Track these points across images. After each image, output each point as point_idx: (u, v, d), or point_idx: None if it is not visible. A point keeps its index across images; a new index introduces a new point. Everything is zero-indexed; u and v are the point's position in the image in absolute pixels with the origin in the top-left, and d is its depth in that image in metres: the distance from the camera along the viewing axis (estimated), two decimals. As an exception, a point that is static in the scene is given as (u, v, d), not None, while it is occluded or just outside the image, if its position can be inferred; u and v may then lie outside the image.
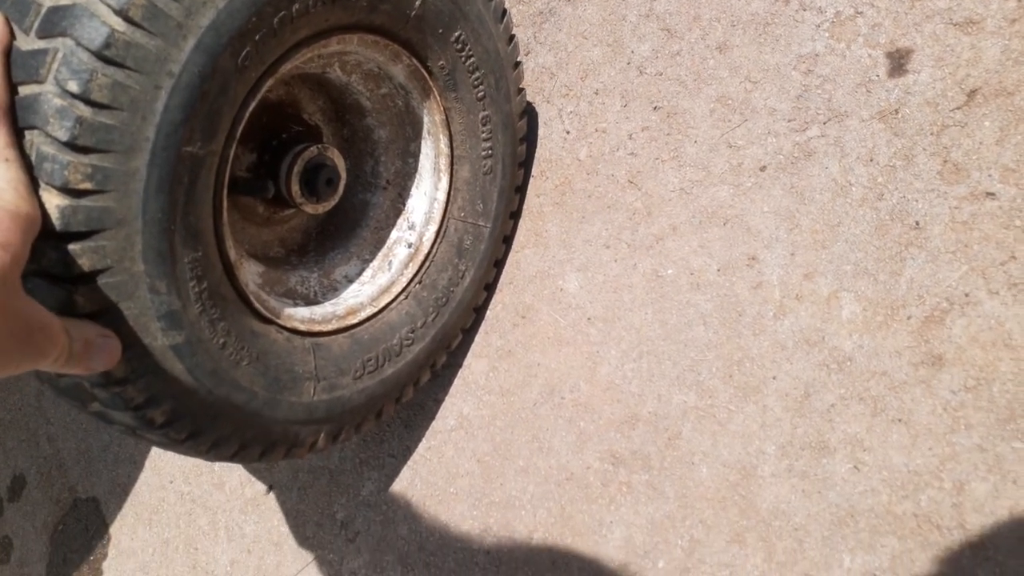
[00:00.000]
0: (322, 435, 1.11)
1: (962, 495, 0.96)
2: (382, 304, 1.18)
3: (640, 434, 1.19)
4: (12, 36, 0.72)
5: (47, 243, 0.72)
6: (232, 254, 0.93)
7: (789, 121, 1.17)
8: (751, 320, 1.14)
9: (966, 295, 0.99)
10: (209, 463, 1.66)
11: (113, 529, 1.77)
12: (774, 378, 1.10)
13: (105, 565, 1.75)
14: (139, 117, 0.74)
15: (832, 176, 1.12)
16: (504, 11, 1.17)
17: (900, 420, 1.01)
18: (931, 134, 1.07)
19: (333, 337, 1.10)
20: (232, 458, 1.00)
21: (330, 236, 1.25)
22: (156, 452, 1.76)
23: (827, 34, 1.16)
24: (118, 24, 0.71)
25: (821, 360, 1.08)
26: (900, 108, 1.09)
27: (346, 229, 1.25)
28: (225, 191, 0.90)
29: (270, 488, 1.56)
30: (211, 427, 0.93)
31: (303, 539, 1.49)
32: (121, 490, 1.79)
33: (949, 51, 1.08)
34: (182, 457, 1.71)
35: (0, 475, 2.03)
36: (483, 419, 1.36)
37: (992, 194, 1.00)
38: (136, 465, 1.78)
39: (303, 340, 1.05)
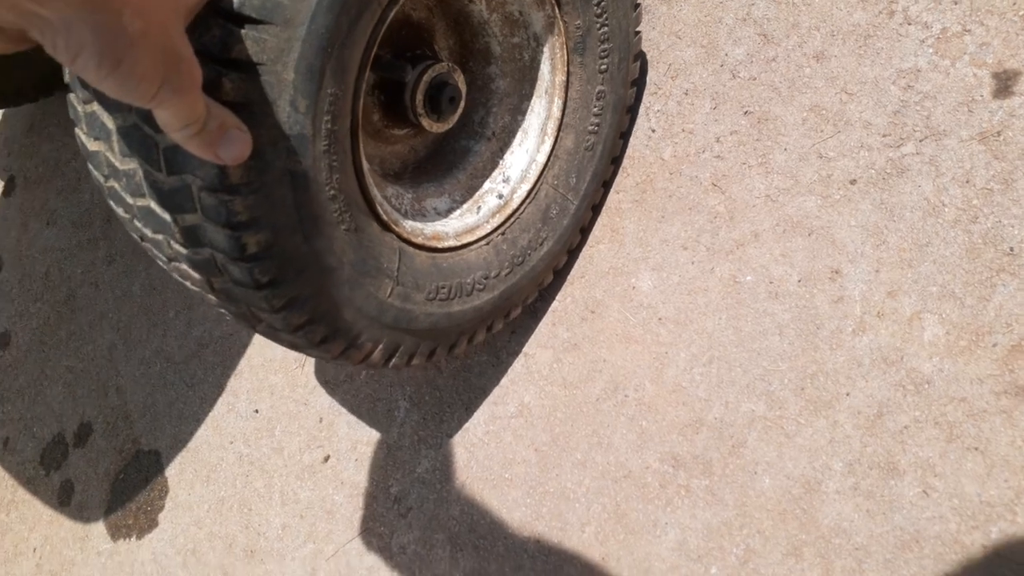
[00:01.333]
0: (380, 347, 1.10)
1: (1037, 531, 0.94)
2: (464, 241, 1.19)
3: (703, 439, 1.19)
4: None
5: (216, 19, 0.73)
6: (360, 116, 0.94)
7: (884, 136, 1.15)
8: (829, 334, 1.12)
9: (1059, 327, 0.97)
10: (270, 428, 1.70)
11: (171, 483, 1.83)
12: (848, 394, 1.09)
13: (161, 516, 1.81)
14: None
15: (925, 195, 1.10)
16: (638, 3, 1.19)
17: (976, 448, 0.99)
18: (1034, 160, 1.04)
19: (417, 251, 1.11)
20: (298, 329, 0.97)
21: (426, 172, 1.27)
22: (219, 412, 1.81)
23: (931, 50, 1.14)
24: None
25: (898, 380, 1.06)
26: (1003, 130, 1.07)
27: (442, 169, 1.27)
28: (374, 50, 0.91)
29: (327, 457, 1.60)
30: (293, 280, 0.91)
31: (356, 509, 1.52)
32: (182, 446, 1.84)
33: (1060, 76, 1.05)
34: (244, 419, 1.75)
35: (68, 421, 2.11)
36: (544, 409, 1.36)
37: (1095, 226, 0.97)
38: (199, 423, 1.83)
39: (393, 239, 1.06)
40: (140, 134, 0.81)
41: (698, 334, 1.23)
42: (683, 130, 1.34)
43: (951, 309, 1.04)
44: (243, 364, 1.81)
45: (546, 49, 1.17)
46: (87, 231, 2.34)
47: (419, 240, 1.13)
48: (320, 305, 0.97)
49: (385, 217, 1.05)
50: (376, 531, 1.48)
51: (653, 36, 1.42)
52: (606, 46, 1.18)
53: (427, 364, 1.25)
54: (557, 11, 1.11)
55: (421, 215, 1.22)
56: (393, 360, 1.15)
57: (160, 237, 0.91)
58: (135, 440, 1.95)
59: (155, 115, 0.68)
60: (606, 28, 1.16)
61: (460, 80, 1.15)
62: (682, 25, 1.39)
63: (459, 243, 1.19)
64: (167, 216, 0.86)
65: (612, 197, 1.39)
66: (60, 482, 2.05)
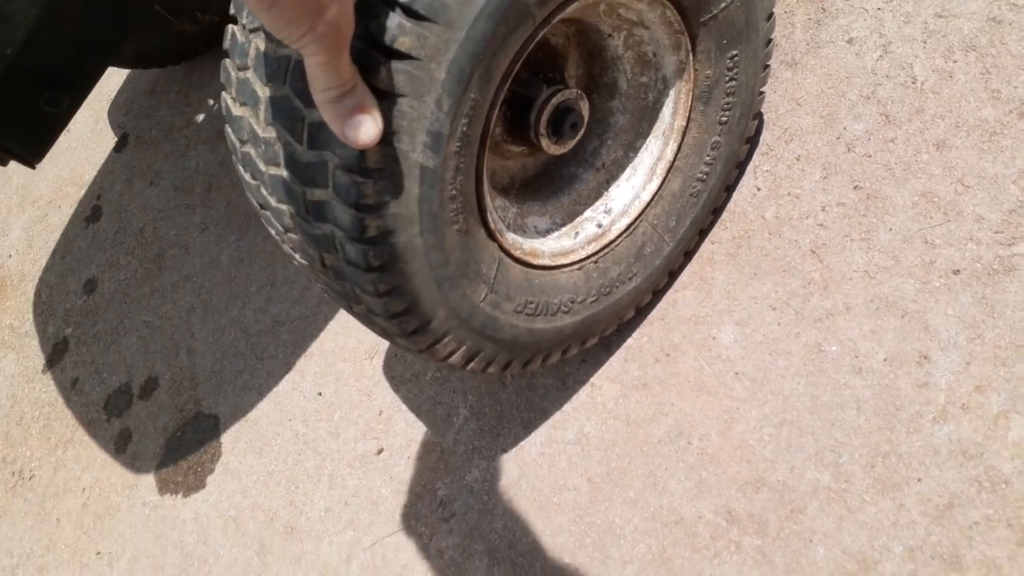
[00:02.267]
0: (463, 348, 1.14)
1: (1100, 653, 0.91)
2: (558, 262, 1.22)
3: (762, 499, 1.19)
4: None
5: (388, 8, 0.78)
6: (492, 123, 0.98)
7: (996, 232, 1.15)
8: (908, 417, 1.12)
9: None
10: (330, 413, 1.74)
11: (225, 448, 1.88)
12: (919, 480, 1.08)
13: (209, 479, 1.86)
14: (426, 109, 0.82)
15: (1030, 297, 1.09)
16: (768, 64, 1.22)
17: (1047, 558, 0.97)
18: None
19: (514, 263, 1.14)
20: (397, 315, 1.01)
21: (532, 191, 1.31)
22: (283, 389, 1.86)
23: (1058, 156, 1.14)
24: None
25: (974, 476, 1.05)
26: (1121, 247, 1.06)
27: (548, 191, 1.31)
28: (518, 65, 0.95)
29: (381, 450, 1.63)
30: (399, 271, 0.95)
31: (400, 506, 1.54)
32: (242, 415, 1.90)
33: None
34: (306, 399, 1.80)
35: (137, 373, 2.19)
36: (603, 441, 1.38)
37: None
38: (261, 396, 1.89)
39: (495, 247, 1.10)
40: (289, 106, 0.87)
41: (773, 395, 1.24)
42: (789, 193, 1.36)
43: (1040, 414, 1.03)
44: (314, 347, 1.86)
45: (672, 92, 1.21)
46: (187, 197, 2.44)
47: (517, 253, 1.16)
48: (419, 297, 1.01)
49: (492, 226, 1.09)
50: (417, 530, 1.50)
51: (773, 99, 1.45)
52: (730, 99, 1.21)
53: (499, 375, 1.27)
54: (691, 58, 1.15)
55: (522, 230, 1.26)
56: (471, 364, 1.19)
57: (284, 207, 0.96)
58: (197, 402, 2.02)
59: (307, 71, 0.73)
60: (734, 82, 1.19)
61: (585, 108, 1.19)
62: (804, 93, 1.41)
63: (553, 263, 1.22)
64: (297, 188, 0.91)
65: (707, 247, 1.41)
66: (119, 430, 2.13)
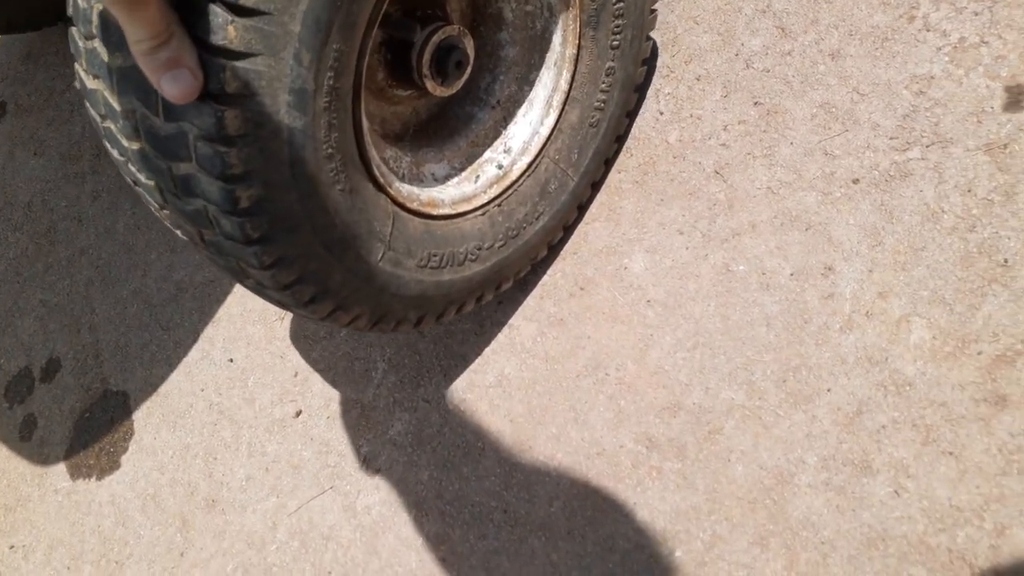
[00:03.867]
0: (367, 311, 1.09)
1: (1002, 538, 0.94)
2: (460, 210, 1.17)
3: (680, 423, 1.19)
4: None
5: None
6: (364, 76, 0.92)
7: (891, 139, 1.15)
8: (816, 329, 1.12)
9: (1046, 340, 0.97)
10: (243, 379, 1.68)
11: (138, 426, 1.80)
12: (828, 390, 1.09)
13: (123, 459, 1.78)
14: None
15: (925, 200, 1.10)
16: None
17: (951, 453, 0.99)
18: (1037, 175, 1.04)
19: (411, 216, 1.09)
20: (284, 288, 0.96)
21: (426, 136, 1.25)
22: (193, 358, 1.78)
23: (947, 58, 1.14)
24: None
25: (880, 381, 1.06)
26: (1010, 144, 1.07)
27: (443, 135, 1.25)
28: (384, 6, 0.89)
29: (299, 412, 1.58)
30: (284, 239, 0.90)
31: (323, 467, 1.50)
32: (152, 389, 1.82)
33: (1071, 95, 1.05)
34: (217, 367, 1.73)
35: (37, 355, 2.07)
36: (523, 381, 1.36)
37: (1091, 244, 0.98)
38: (171, 367, 1.81)
39: (387, 202, 1.04)
40: (139, 76, 0.79)
41: (685, 319, 1.23)
42: (691, 115, 1.34)
43: (940, 314, 1.05)
44: (222, 312, 1.79)
45: (559, 20, 1.16)
46: (75, 164, 2.29)
47: (414, 205, 1.11)
48: (309, 265, 0.95)
49: (381, 180, 1.03)
50: (342, 489, 1.46)
51: (671, 20, 1.41)
52: (620, 22, 1.17)
53: (414, 330, 1.24)
54: None
55: (418, 180, 1.20)
56: (380, 325, 1.14)
57: (152, 183, 0.89)
58: (104, 380, 1.92)
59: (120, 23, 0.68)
60: (621, 3, 1.15)
61: (469, 45, 1.13)
62: (701, 11, 1.38)
63: (454, 211, 1.17)
64: (161, 163, 0.84)
65: (613, 176, 1.39)
66: (23, 416, 2.02)
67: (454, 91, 1.16)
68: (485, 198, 1.20)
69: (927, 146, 1.12)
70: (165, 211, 0.93)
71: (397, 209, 1.07)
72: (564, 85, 1.20)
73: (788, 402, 1.11)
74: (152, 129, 0.81)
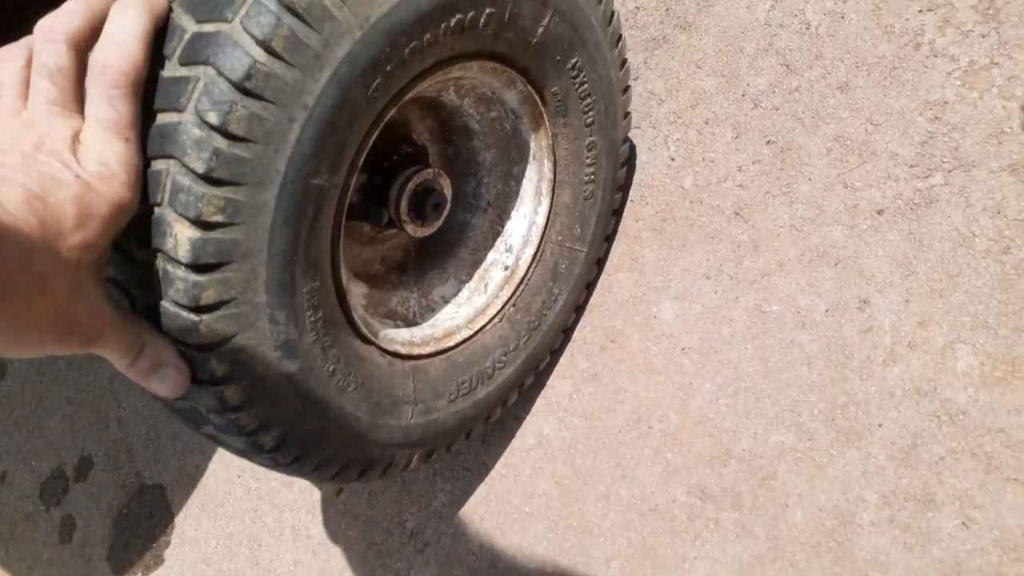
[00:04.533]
0: (416, 456, 1.12)
1: (1081, 565, 0.92)
2: (477, 326, 1.18)
3: (732, 471, 1.17)
4: (170, 9, 0.72)
5: (177, 271, 0.73)
6: (344, 281, 0.94)
7: (911, 167, 1.15)
8: (858, 364, 1.11)
9: (1098, 357, 0.96)
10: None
11: (178, 518, 1.79)
12: (880, 425, 1.08)
13: (167, 553, 1.77)
14: (272, 150, 0.74)
15: (954, 225, 1.10)
16: (620, 36, 1.17)
17: (1016, 480, 0.98)
18: (1063, 190, 1.04)
19: (431, 360, 1.11)
20: (332, 479, 1.01)
21: (429, 255, 1.26)
22: (226, 445, 1.78)
23: (959, 82, 1.14)
24: (259, 55, 0.70)
25: (932, 411, 1.05)
26: (1032, 161, 1.07)
27: (445, 249, 1.26)
28: (344, 219, 0.90)
29: (340, 491, 1.57)
30: (315, 451, 0.94)
31: (370, 545, 1.48)
32: (188, 480, 1.80)
33: (1086, 107, 1.05)
34: (253, 452, 1.72)
35: (68, 454, 2.07)
36: (564, 441, 1.34)
37: None
38: (205, 456, 1.80)
39: (403, 364, 1.07)
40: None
41: (723, 364, 1.22)
42: (704, 159, 1.34)
43: (985, 339, 1.04)
44: (251, 395, 1.78)
45: (525, 118, 1.16)
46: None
47: (430, 349, 1.13)
48: (348, 456, 1.00)
49: (391, 349, 1.05)
50: (392, 567, 1.45)
51: (672, 66, 1.42)
52: (588, 100, 1.16)
53: (465, 439, 1.25)
54: (529, 87, 1.10)
55: (430, 311, 1.21)
56: (431, 458, 1.18)
57: (190, 428, 0.94)
58: (138, 474, 1.91)
59: None
60: (586, 85, 1.14)
61: (445, 185, 1.13)
62: (702, 55, 1.39)
63: (472, 331, 1.18)
64: (190, 425, 0.89)
65: (631, 225, 1.39)
66: (61, 518, 2.00)
67: (435, 228, 1.16)
68: (499, 303, 1.21)
69: (949, 171, 1.12)
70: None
71: (415, 363, 1.09)
72: (548, 173, 1.20)
73: (840, 440, 1.10)
74: (170, 404, 0.86)
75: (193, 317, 0.75)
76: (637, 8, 1.50)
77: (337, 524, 1.54)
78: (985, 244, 1.07)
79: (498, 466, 1.40)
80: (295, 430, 0.90)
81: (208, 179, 0.71)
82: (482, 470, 1.41)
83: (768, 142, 1.28)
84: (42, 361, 2.27)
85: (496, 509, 1.37)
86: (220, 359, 0.78)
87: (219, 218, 0.72)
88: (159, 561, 1.77)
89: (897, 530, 1.03)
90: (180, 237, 0.72)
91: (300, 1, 0.72)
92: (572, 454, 1.33)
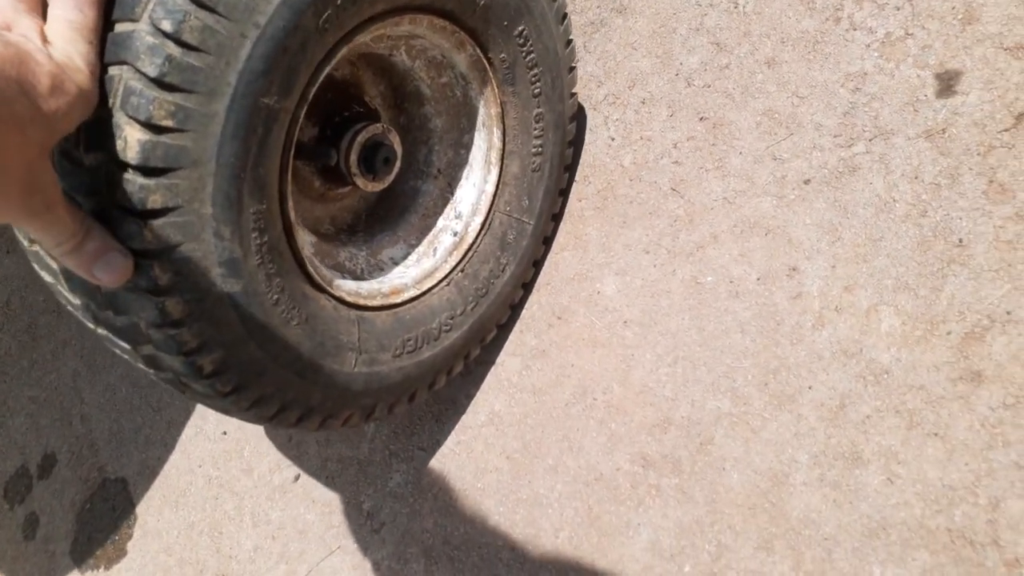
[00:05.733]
0: (356, 412, 1.13)
1: (997, 512, 0.96)
2: (425, 287, 1.20)
3: (672, 438, 1.20)
4: None
5: (124, 174, 0.75)
6: (292, 215, 0.96)
7: (835, 137, 1.18)
8: (789, 330, 1.15)
9: (1008, 313, 1.00)
10: (239, 449, 1.68)
11: (140, 510, 1.80)
12: (810, 388, 1.11)
13: (130, 545, 1.78)
14: (223, 62, 0.77)
15: (876, 192, 1.13)
16: (565, 14, 1.20)
17: (936, 434, 1.01)
18: (978, 154, 1.08)
19: (377, 313, 1.12)
20: (270, 420, 1.01)
21: (379, 219, 1.28)
22: (187, 436, 1.78)
23: (876, 54, 1.18)
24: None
25: (858, 372, 1.09)
26: (947, 128, 1.10)
27: (395, 214, 1.28)
28: (292, 151, 0.92)
29: (298, 476, 1.58)
30: (255, 383, 0.94)
31: (328, 528, 1.50)
32: (150, 472, 1.81)
33: (999, 74, 1.09)
34: (212, 441, 1.73)
35: (31, 452, 2.07)
36: (514, 416, 1.37)
37: (1037, 215, 1.01)
38: (167, 448, 1.81)
39: (349, 311, 1.08)
40: (81, 277, 0.83)
41: (663, 335, 1.25)
42: (641, 137, 1.37)
43: (906, 301, 1.07)
44: (210, 386, 1.79)
45: (475, 84, 1.19)
46: (48, 259, 2.30)
47: (377, 302, 1.14)
48: (287, 394, 1.00)
49: (337, 294, 1.07)
50: (349, 548, 1.47)
51: (610, 48, 1.45)
52: (536, 70, 1.19)
53: (410, 407, 1.26)
54: (478, 50, 1.13)
55: (378, 269, 1.23)
56: (373, 416, 1.18)
57: (126, 356, 0.94)
58: (101, 468, 1.92)
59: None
60: (533, 55, 1.17)
61: (395, 140, 1.16)
62: (637, 36, 1.42)
63: (420, 291, 1.20)
64: (125, 344, 0.89)
65: (575, 204, 1.41)
66: (24, 516, 2.01)
67: (387, 184, 1.19)
68: (447, 267, 1.23)
69: (870, 140, 1.15)
70: (146, 371, 0.98)
71: (361, 313, 1.10)
72: (498, 142, 1.22)
73: (772, 404, 1.13)
74: (108, 321, 0.86)
75: (139, 221, 0.77)
76: (576, -9, 1.53)
77: (295, 508, 1.56)
78: (904, 209, 1.10)
79: (450, 444, 1.42)
80: (236, 356, 0.90)
81: (160, 83, 0.74)
82: (436, 448, 1.44)
83: (701, 119, 1.31)
84: (6, 360, 2.27)
85: (449, 486, 1.40)
86: (163, 268, 0.79)
87: (169, 123, 0.75)
88: (122, 553, 1.78)
89: (827, 488, 1.07)
90: (130, 139, 0.74)
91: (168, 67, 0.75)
92: (522, 429, 1.36)
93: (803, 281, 1.15)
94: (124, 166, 0.75)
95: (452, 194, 1.27)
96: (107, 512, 1.85)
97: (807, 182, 1.19)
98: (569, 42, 1.22)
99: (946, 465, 1.00)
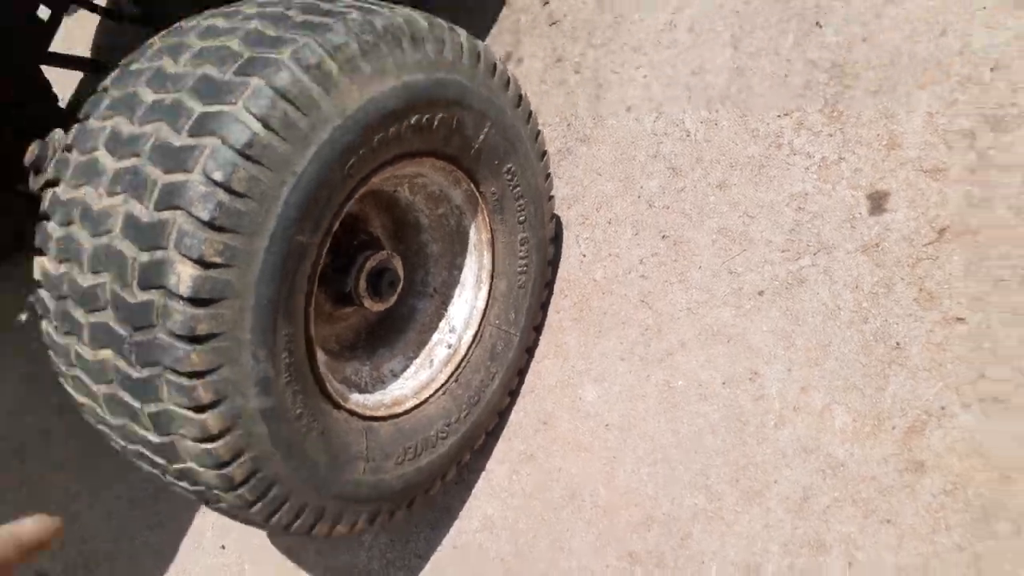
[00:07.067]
0: (363, 516, 1.22)
1: (950, 591, 1.06)
2: (423, 397, 1.31)
3: (655, 535, 1.29)
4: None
5: (177, 305, 0.88)
6: (313, 334, 1.07)
7: (783, 251, 1.32)
8: (754, 429, 1.26)
9: (942, 408, 1.12)
10: (239, 563, 1.73)
11: (139, 629, 1.82)
12: (776, 482, 1.22)
13: (129, 665, 1.79)
14: (265, 207, 0.91)
15: (823, 301, 1.27)
16: (544, 151, 1.36)
17: (888, 521, 1.12)
18: (908, 266, 1.22)
19: (381, 423, 1.23)
20: (286, 527, 1.09)
21: (379, 336, 1.39)
22: (185, 549, 1.83)
23: (815, 176, 1.34)
24: (259, 129, 0.89)
25: (817, 466, 1.20)
26: (880, 242, 1.25)
27: (395, 331, 1.40)
28: (316, 279, 1.05)
29: (298, 587, 1.63)
30: (276, 491, 1.04)
31: (330, 638, 1.55)
32: (148, 590, 1.85)
33: (920, 194, 1.25)
34: (210, 555, 1.78)
35: (23, 572, 2.08)
36: (506, 521, 1.45)
37: (962, 319, 1.15)
38: (164, 564, 1.85)
39: (358, 422, 1.18)
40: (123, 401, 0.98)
41: (642, 438, 1.36)
42: (610, 254, 1.50)
43: (855, 399, 1.20)
44: (209, 501, 1.85)
45: (469, 215, 1.33)
46: (36, 383, 2.37)
47: (381, 412, 1.26)
48: (303, 503, 1.11)
49: (348, 407, 1.18)
50: (352, 657, 1.51)
51: (577, 174, 1.60)
52: (521, 201, 1.35)
53: (408, 511, 1.35)
54: (472, 185, 1.28)
55: (380, 382, 1.34)
56: (377, 521, 1.28)
57: (155, 471, 1.06)
58: (98, 588, 1.94)
59: None
60: (519, 187, 1.33)
61: (398, 265, 1.30)
62: (601, 163, 1.58)
63: (418, 401, 1.32)
64: (161, 459, 1.00)
65: (554, 316, 1.54)
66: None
67: (390, 304, 1.31)
68: (443, 377, 1.34)
69: (815, 254, 1.30)
70: (173, 485, 1.08)
71: (368, 424, 1.21)
72: (487, 263, 1.36)
73: (743, 499, 1.24)
74: (145, 440, 0.98)
75: (187, 347, 0.89)
76: (544, 124, 1.69)
77: (297, 620, 1.60)
78: (848, 316, 1.24)
79: (448, 550, 1.49)
80: (262, 468, 1.00)
81: (211, 225, 0.87)
82: (433, 555, 1.51)
83: (663, 236, 1.45)
84: (-4, 484, 2.30)
85: (447, 591, 1.46)
86: (206, 388, 0.91)
87: (217, 260, 0.88)
88: (122, 675, 1.79)
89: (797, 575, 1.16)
90: (183, 275, 0.87)
91: (291, 90, 0.91)
92: (514, 532, 1.44)
93: (764, 384, 1.27)
94: (177, 298, 0.87)
95: (446, 310, 1.39)
96: (105, 633, 1.87)
97: (761, 293, 1.32)
98: (548, 175, 1.38)
99: (898, 549, 1.10)
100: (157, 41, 1.07)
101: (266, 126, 0.90)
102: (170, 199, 0.88)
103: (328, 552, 1.62)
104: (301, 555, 1.66)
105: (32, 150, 1.14)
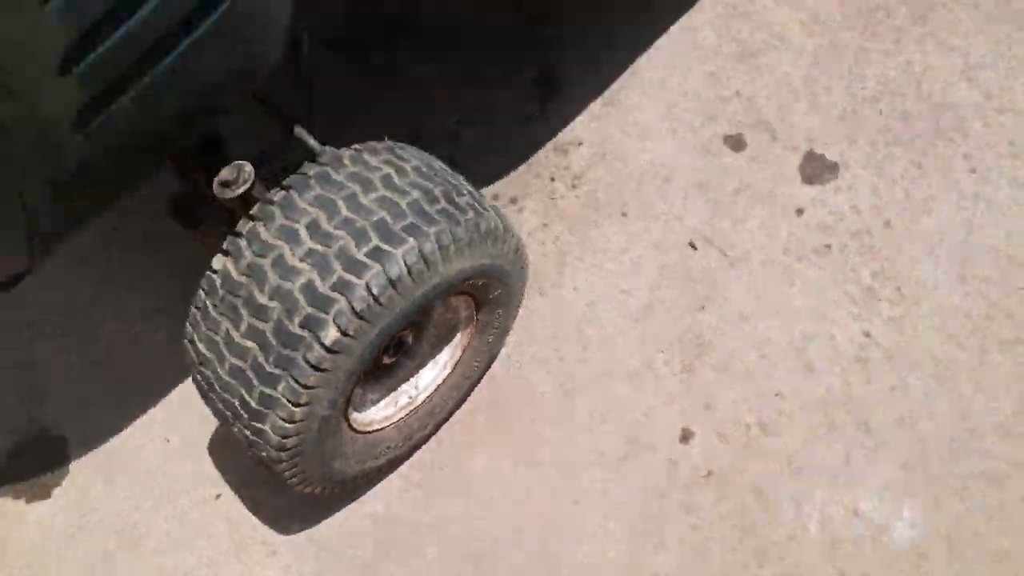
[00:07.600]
0: (330, 489, 1.97)
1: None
2: (384, 425, 1.99)
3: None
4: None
5: (318, 346, 1.53)
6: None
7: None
8: None
9: None
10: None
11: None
12: None
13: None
14: (388, 313, 1.57)
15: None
16: (519, 303, 2.11)
17: None
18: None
19: (358, 435, 1.95)
20: (292, 486, 1.81)
21: (375, 376, 2.00)
22: None
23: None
24: (405, 273, 1.53)
25: None
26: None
27: (384, 377, 2.00)
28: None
29: (219, 495, 2.23)
30: (300, 463, 1.74)
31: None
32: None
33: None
34: None
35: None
36: (398, 519, 2.12)
37: None
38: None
39: (351, 432, 1.89)
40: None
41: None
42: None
43: None
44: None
45: (461, 326, 2.04)
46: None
47: (358, 427, 1.92)
48: (311, 476, 1.82)
49: (349, 420, 1.86)
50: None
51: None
52: (495, 329, 2.07)
53: None
54: (475, 314, 1.99)
55: (363, 406, 1.99)
56: (327, 492, 1.96)
57: (229, 414, 1.71)
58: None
59: None
60: (498, 323, 2.05)
61: (410, 338, 1.98)
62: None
63: (381, 426, 2.00)
64: (246, 415, 1.65)
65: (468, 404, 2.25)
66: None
67: (395, 359, 2.00)
68: (398, 417, 2.03)
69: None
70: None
71: (355, 433, 1.90)
72: (456, 356, 2.07)
73: None
74: (246, 402, 1.64)
75: (311, 371, 1.54)
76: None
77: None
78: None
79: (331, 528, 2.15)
80: (303, 446, 1.67)
81: (358, 315, 1.52)
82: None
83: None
84: None
85: None
86: (307, 396, 1.55)
87: (352, 334, 1.53)
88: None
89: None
90: (331, 333, 1.52)
91: (429, 256, 1.56)
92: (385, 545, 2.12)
93: None
94: (320, 344, 1.51)
95: (419, 373, 2.06)
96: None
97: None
98: (513, 317, 2.11)
99: None
100: (351, 165, 1.69)
101: (409, 272, 1.55)
102: (342, 288, 1.50)
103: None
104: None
105: (230, 172, 1.74)
